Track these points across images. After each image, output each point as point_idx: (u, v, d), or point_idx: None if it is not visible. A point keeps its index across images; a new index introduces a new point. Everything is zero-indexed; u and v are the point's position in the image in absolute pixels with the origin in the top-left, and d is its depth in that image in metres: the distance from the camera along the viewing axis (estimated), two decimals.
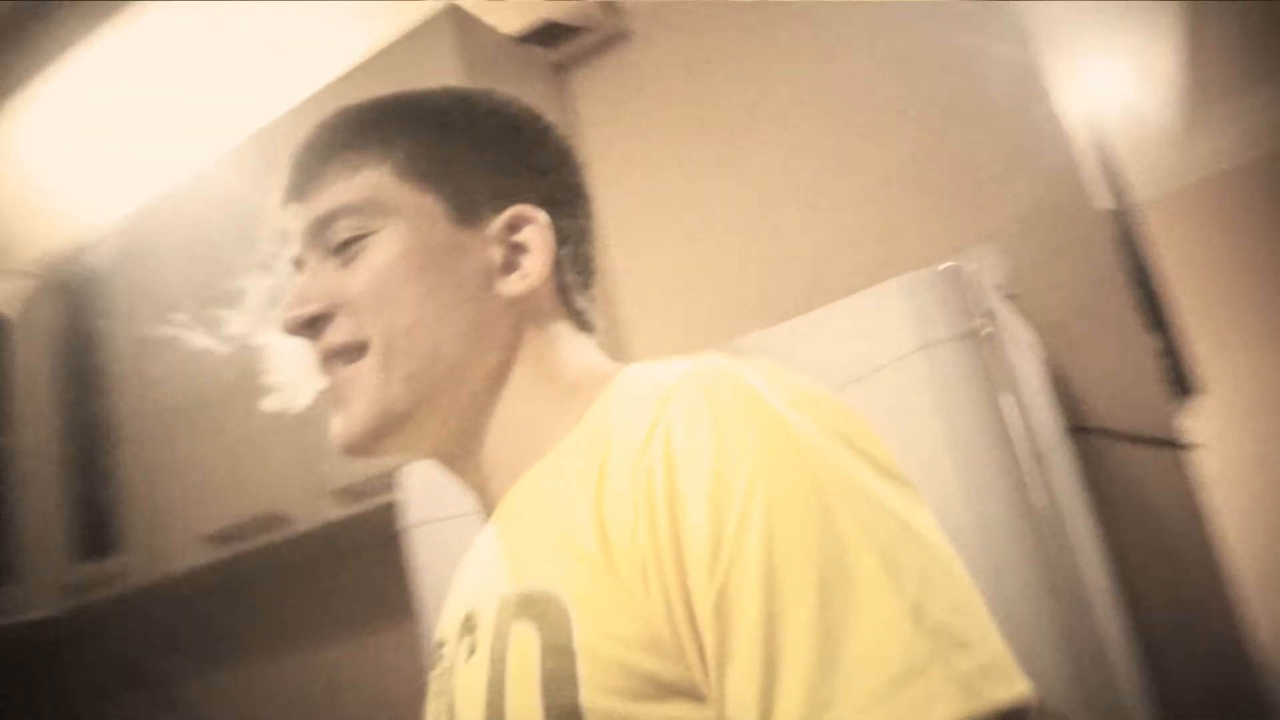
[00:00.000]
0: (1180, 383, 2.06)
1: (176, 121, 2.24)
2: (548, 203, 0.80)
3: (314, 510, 1.91)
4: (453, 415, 0.75)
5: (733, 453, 0.57)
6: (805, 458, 0.57)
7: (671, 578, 0.57)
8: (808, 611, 0.53)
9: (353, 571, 2.25)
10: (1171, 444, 1.51)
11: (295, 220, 0.79)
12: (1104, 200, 1.82)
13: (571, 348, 0.80)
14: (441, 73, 1.89)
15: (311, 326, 0.75)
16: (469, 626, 0.70)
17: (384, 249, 0.74)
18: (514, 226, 0.78)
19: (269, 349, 0.89)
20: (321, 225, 0.76)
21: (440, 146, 0.78)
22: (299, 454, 1.92)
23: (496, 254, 0.77)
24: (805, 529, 0.55)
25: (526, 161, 0.81)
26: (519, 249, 0.78)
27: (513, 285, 0.76)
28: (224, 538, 2.00)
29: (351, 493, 1.87)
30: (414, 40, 1.95)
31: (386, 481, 1.82)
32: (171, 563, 2.10)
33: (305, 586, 2.34)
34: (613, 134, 2.17)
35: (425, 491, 1.33)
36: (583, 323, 0.83)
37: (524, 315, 0.77)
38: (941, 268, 1.03)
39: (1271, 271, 3.61)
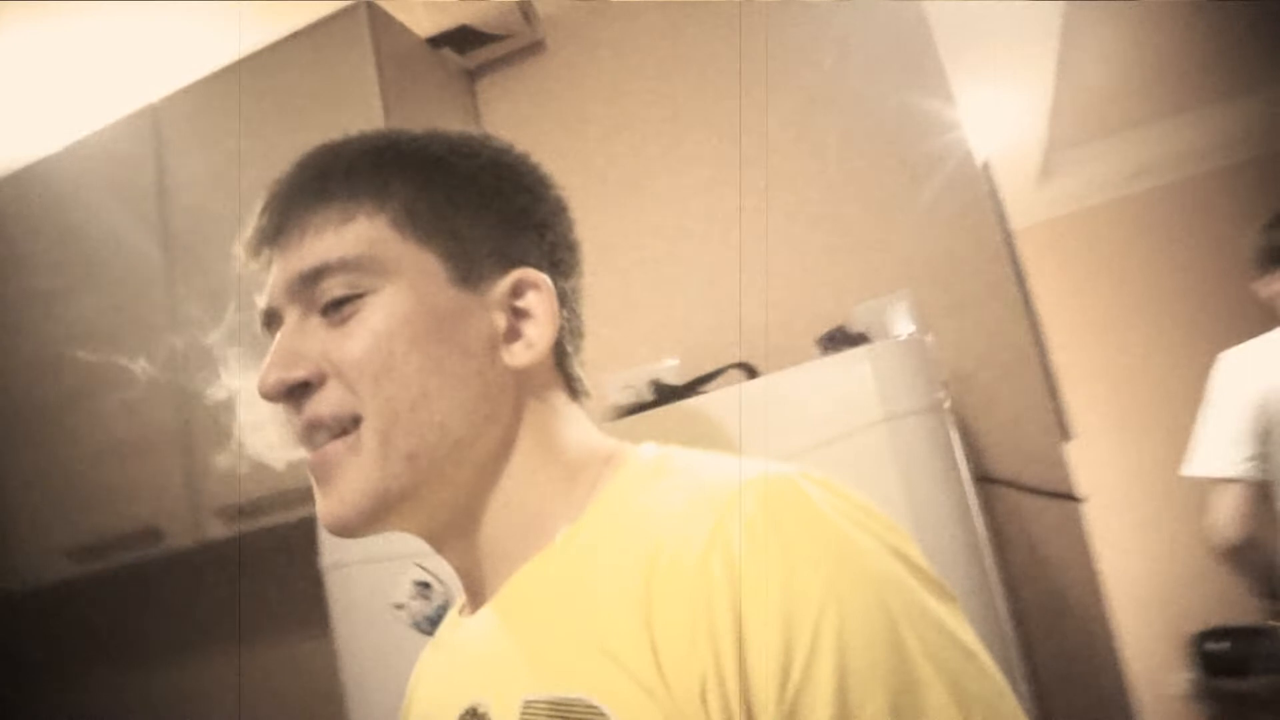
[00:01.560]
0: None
1: (60, 90, 2.06)
2: (548, 263, 0.75)
3: (192, 528, 1.80)
4: (452, 495, 0.69)
5: (801, 575, 0.55)
6: (872, 580, 0.57)
7: (734, 699, 0.55)
8: None
9: (230, 588, 2.14)
10: (1069, 497, 1.59)
11: (271, 269, 0.72)
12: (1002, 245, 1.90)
13: (571, 422, 0.76)
14: (353, 68, 1.81)
15: (293, 392, 0.68)
16: None
17: (383, 313, 0.67)
18: (517, 292, 0.73)
19: (229, 394, 0.81)
20: (308, 279, 0.68)
21: (441, 198, 0.71)
22: (180, 467, 1.80)
23: (500, 321, 0.71)
24: (876, 654, 0.54)
25: (528, 218, 0.75)
26: (522, 315, 0.73)
27: (517, 356, 0.71)
28: (88, 552, 1.85)
29: (236, 512, 1.77)
30: (327, 32, 1.85)
31: (276, 502, 1.74)
32: (23, 577, 1.94)
33: (178, 602, 2.20)
34: (519, 147, 2.11)
35: None
36: (576, 391, 0.79)
37: (525, 387, 0.72)
38: (904, 339, 1.05)
39: (1120, 310, 3.86)
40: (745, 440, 1.05)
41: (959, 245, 1.79)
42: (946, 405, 1.05)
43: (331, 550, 1.27)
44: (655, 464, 0.69)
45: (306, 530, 1.86)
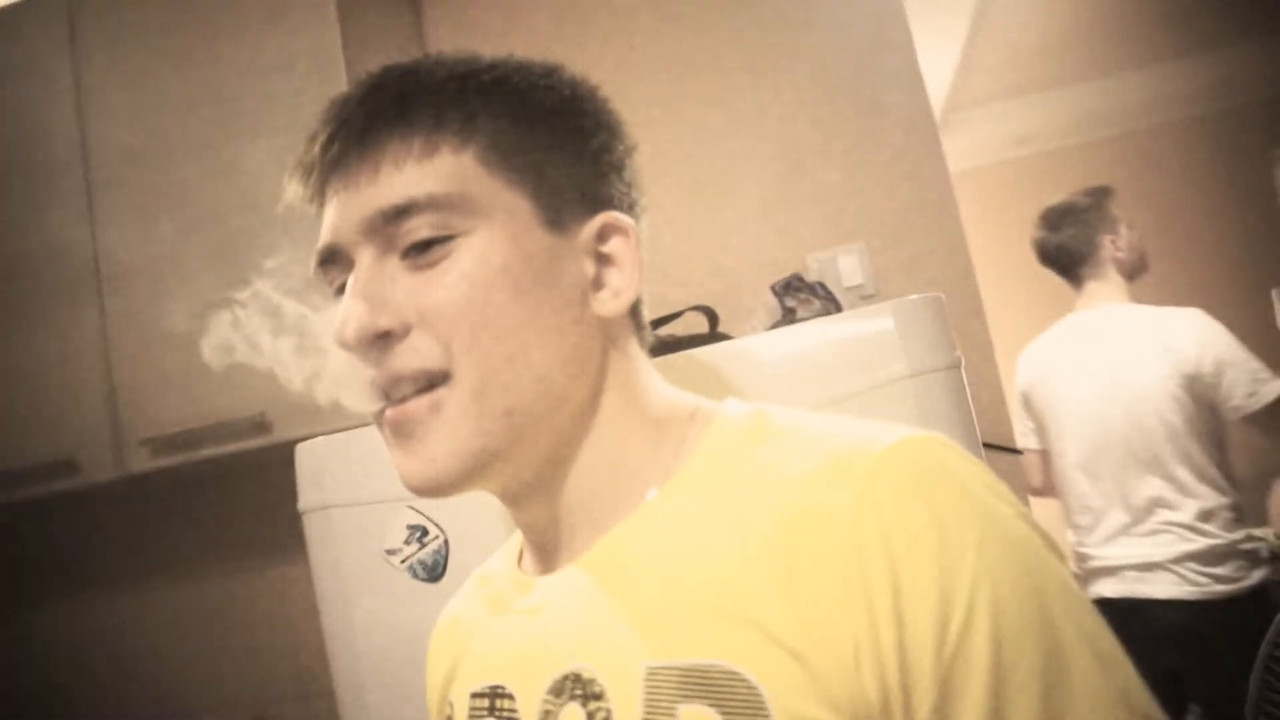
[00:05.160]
0: None
1: None
2: (626, 206, 0.72)
3: (114, 460, 1.68)
4: (542, 452, 0.66)
5: (953, 540, 0.56)
6: (1016, 546, 0.58)
7: (889, 661, 0.55)
8: (1032, 702, 0.53)
9: (153, 522, 2.03)
10: (1011, 450, 1.66)
11: (331, 201, 0.65)
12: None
13: (649, 373, 0.73)
14: None
15: (374, 341, 0.62)
16: (582, 691, 0.63)
17: (477, 258, 0.62)
18: (603, 236, 0.70)
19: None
20: (390, 217, 0.62)
21: (526, 133, 0.66)
22: (101, 393, 1.68)
23: (589, 267, 0.68)
24: (1026, 618, 0.55)
25: (608, 157, 0.71)
26: (605, 261, 0.70)
27: (606, 304, 0.68)
28: None
29: (163, 444, 1.66)
30: None
31: (205, 435, 1.65)
32: None
33: (97, 537, 2.08)
34: None
35: (321, 475, 1.19)
36: (645, 339, 0.77)
37: (608, 337, 0.70)
38: (924, 297, 1.06)
39: (999, 269, 4.02)
40: (764, 393, 1.05)
41: (915, 202, 1.82)
42: (963, 364, 1.08)
43: (310, 491, 1.20)
44: (754, 423, 0.67)
45: (236, 465, 1.79)
